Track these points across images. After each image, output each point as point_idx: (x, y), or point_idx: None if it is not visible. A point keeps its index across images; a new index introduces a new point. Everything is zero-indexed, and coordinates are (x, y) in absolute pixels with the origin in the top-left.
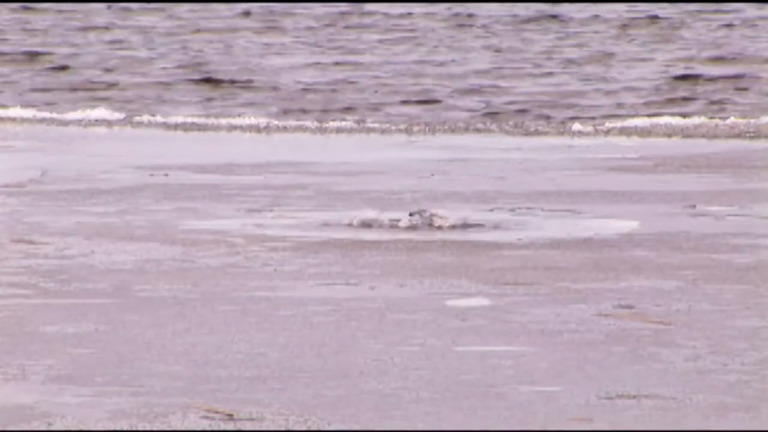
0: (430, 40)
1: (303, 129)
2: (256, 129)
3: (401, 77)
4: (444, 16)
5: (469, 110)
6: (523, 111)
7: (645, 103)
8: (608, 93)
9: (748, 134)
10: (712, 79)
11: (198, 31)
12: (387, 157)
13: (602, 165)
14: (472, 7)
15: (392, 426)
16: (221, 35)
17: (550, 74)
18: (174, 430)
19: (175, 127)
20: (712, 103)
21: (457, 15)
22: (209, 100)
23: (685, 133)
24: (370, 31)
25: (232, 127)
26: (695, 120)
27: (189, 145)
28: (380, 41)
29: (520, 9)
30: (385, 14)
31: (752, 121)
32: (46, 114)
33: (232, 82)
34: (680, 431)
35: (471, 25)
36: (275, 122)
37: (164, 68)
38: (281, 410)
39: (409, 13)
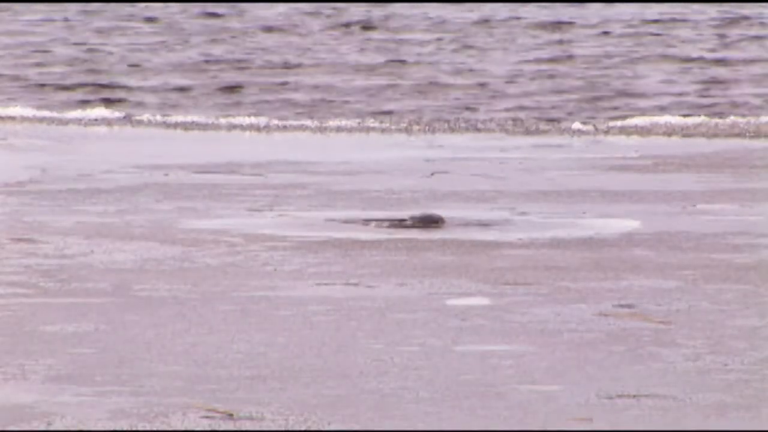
0: (447, 41)
1: (303, 128)
2: (256, 128)
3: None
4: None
5: (494, 111)
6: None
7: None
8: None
9: (747, 133)
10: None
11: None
12: (387, 156)
13: (602, 164)
14: (488, 8)
15: (392, 426)
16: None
17: (570, 75)
18: (174, 430)
19: (175, 126)
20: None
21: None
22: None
23: (685, 133)
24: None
25: (232, 127)
26: (695, 119)
27: (189, 145)
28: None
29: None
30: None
31: (752, 120)
32: (45, 113)
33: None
34: (680, 431)
35: (490, 26)
36: (275, 122)
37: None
38: (281, 410)
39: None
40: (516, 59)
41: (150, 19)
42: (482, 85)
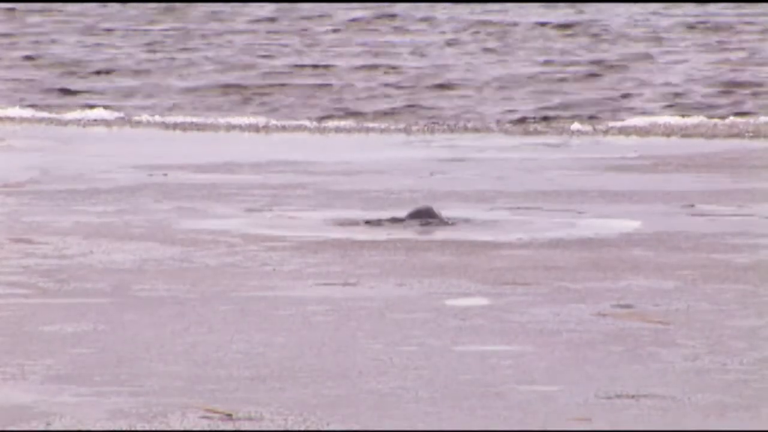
0: (448, 42)
1: (302, 128)
2: (254, 128)
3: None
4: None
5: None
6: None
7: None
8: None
9: (746, 134)
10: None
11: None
12: (386, 156)
13: (601, 165)
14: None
15: (391, 426)
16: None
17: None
18: (173, 430)
19: (174, 126)
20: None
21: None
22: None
23: (684, 133)
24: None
25: (231, 127)
26: (694, 120)
27: (188, 145)
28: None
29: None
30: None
31: (751, 120)
32: (44, 114)
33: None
34: (679, 431)
35: (490, 27)
36: (274, 122)
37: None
38: (280, 410)
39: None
40: (517, 59)
41: (153, 21)
42: (482, 85)
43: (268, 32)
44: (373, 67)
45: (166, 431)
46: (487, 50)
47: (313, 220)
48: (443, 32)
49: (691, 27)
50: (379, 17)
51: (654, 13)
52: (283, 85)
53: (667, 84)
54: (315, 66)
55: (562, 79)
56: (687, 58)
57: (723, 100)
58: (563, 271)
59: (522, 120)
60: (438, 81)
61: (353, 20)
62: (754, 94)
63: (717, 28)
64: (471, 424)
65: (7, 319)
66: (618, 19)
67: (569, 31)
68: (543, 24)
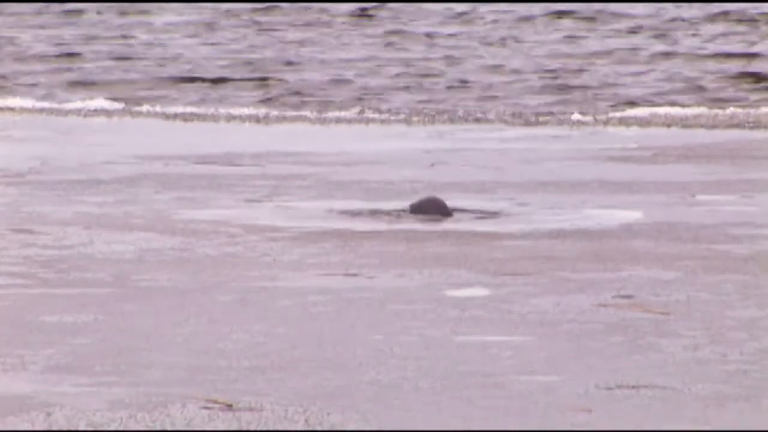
0: (448, 35)
1: (302, 119)
2: (255, 119)
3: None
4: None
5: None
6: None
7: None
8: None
9: (747, 124)
10: None
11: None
12: (386, 147)
13: (602, 155)
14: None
15: (391, 416)
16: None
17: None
18: (173, 425)
19: (174, 117)
20: None
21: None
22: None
23: (684, 123)
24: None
25: (231, 117)
26: (694, 110)
27: (188, 135)
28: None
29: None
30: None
31: (751, 111)
32: (45, 104)
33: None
34: (679, 429)
35: (491, 20)
36: (274, 112)
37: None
38: (280, 400)
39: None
40: (522, 50)
41: (155, 13)
42: (485, 76)
43: (270, 24)
44: (376, 58)
45: (166, 430)
46: (490, 42)
47: (313, 211)
48: (448, 24)
49: (705, 19)
50: (384, 9)
51: (665, 8)
52: (283, 77)
53: (669, 75)
54: (317, 58)
55: (566, 70)
56: (692, 49)
57: (726, 91)
58: (564, 262)
59: (523, 110)
60: (439, 73)
61: (356, 12)
62: (758, 85)
63: (731, 20)
64: (471, 414)
65: (8, 309)
66: (633, 10)
67: (578, 22)
68: (554, 13)
